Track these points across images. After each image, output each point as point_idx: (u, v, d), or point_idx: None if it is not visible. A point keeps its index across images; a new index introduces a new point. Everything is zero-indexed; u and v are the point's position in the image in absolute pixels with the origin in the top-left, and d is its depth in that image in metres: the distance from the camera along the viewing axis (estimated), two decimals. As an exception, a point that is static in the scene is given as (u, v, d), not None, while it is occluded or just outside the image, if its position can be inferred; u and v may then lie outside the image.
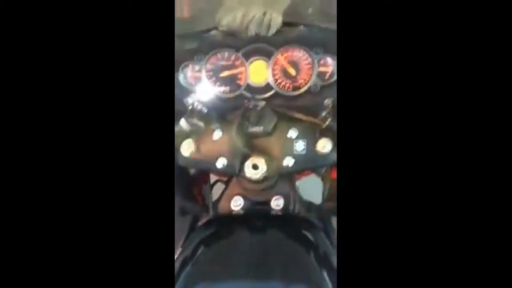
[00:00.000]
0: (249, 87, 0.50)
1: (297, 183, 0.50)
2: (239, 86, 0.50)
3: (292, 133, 0.39)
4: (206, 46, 0.48)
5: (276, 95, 0.50)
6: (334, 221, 0.42)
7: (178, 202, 0.44)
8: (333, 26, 0.42)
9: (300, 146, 0.39)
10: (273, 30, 0.45)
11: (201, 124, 0.41)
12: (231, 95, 0.50)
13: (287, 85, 0.50)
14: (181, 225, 0.44)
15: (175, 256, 0.37)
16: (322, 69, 0.49)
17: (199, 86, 0.50)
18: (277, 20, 0.44)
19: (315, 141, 0.39)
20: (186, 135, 0.41)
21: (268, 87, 0.50)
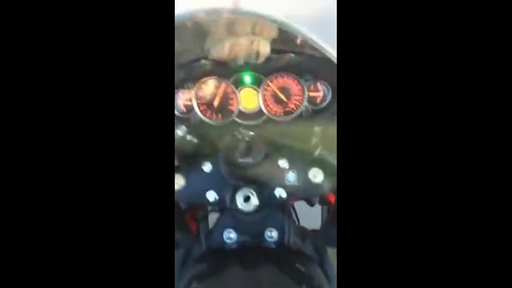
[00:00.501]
0: (241, 113, 0.50)
1: (295, 205, 0.49)
2: (231, 112, 0.50)
3: (283, 163, 0.39)
4: (196, 75, 0.48)
5: (269, 120, 0.50)
6: (330, 252, 0.41)
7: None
8: (321, 54, 0.43)
9: (291, 177, 0.39)
10: (261, 59, 0.45)
11: (194, 140, 0.41)
12: (224, 122, 0.50)
13: (279, 110, 0.50)
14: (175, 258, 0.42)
15: None
16: (312, 94, 0.50)
17: (191, 114, 0.50)
18: (265, 48, 0.45)
19: (306, 171, 0.39)
20: (176, 169, 0.41)
21: (260, 113, 0.50)
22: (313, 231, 0.46)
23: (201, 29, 0.44)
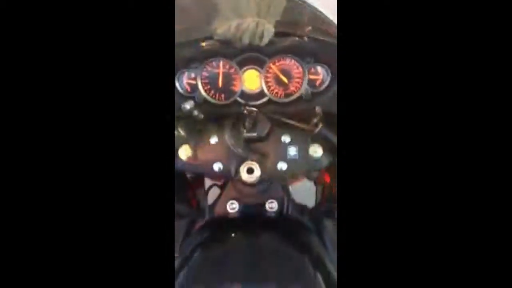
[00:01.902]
0: (243, 94, 0.52)
1: (291, 187, 0.51)
2: (234, 92, 0.52)
3: (285, 139, 0.41)
4: (201, 55, 0.50)
5: (269, 101, 0.52)
6: (327, 223, 0.43)
7: (175, 206, 0.45)
8: (324, 37, 0.45)
9: (292, 151, 0.41)
10: (266, 40, 0.47)
11: (201, 116, 0.42)
12: (226, 101, 0.52)
13: (280, 92, 0.52)
14: (177, 229, 0.44)
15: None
16: (312, 77, 0.52)
17: (195, 93, 0.52)
18: (269, 30, 0.46)
19: (307, 147, 0.41)
20: (185, 140, 0.42)
21: (261, 94, 0.52)
22: (308, 207, 0.49)
23: (208, 8, 0.45)
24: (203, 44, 0.45)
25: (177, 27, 0.47)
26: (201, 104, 0.51)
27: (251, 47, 0.48)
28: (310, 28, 0.46)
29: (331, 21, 0.40)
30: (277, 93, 0.52)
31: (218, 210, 0.44)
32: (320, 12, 0.40)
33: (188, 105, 0.41)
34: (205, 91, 0.52)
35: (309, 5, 0.40)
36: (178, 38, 0.45)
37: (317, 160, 0.40)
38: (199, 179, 0.53)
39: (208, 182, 0.54)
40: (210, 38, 0.47)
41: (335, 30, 0.41)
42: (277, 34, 0.47)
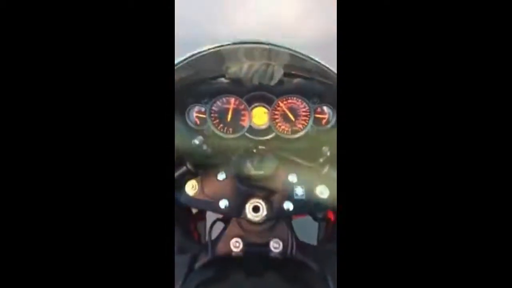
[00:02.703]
0: (251, 129, 0.54)
1: (293, 222, 0.51)
2: (242, 127, 0.53)
3: (292, 178, 0.42)
4: (213, 91, 0.52)
5: (276, 137, 0.54)
6: (331, 264, 0.43)
7: (178, 240, 0.45)
8: (329, 80, 0.47)
9: (299, 191, 0.41)
10: (275, 81, 0.49)
11: (209, 150, 0.43)
12: (235, 135, 0.53)
13: (286, 129, 0.54)
14: (180, 264, 0.44)
15: None
16: (318, 116, 0.54)
17: (204, 126, 0.53)
18: (279, 71, 0.49)
19: (314, 187, 0.41)
20: (192, 175, 0.43)
21: (268, 130, 0.54)
22: (312, 245, 0.48)
23: (221, 56, 0.48)
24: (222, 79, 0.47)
25: (190, 71, 0.49)
26: (210, 137, 0.53)
27: (261, 87, 0.50)
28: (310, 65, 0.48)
29: (333, 71, 0.42)
30: (284, 129, 0.54)
31: (221, 247, 0.43)
32: (323, 64, 0.43)
33: (197, 140, 0.42)
34: (214, 125, 0.53)
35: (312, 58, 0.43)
36: (192, 78, 0.47)
37: (323, 201, 0.41)
38: (201, 212, 0.53)
39: (210, 215, 0.54)
40: (222, 76, 0.50)
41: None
42: (285, 74, 0.50)
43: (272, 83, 0.49)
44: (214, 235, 0.48)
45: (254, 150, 0.41)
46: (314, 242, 0.54)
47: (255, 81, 0.49)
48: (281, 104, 0.53)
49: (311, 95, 0.52)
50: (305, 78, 0.50)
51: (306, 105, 0.53)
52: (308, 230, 0.57)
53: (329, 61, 0.46)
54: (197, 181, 0.42)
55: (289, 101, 0.53)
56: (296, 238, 0.47)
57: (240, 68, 0.48)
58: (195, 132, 0.50)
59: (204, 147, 0.44)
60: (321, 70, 0.47)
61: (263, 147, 0.44)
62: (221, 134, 0.53)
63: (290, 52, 0.46)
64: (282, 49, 0.44)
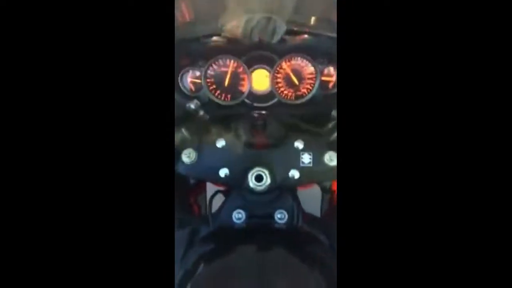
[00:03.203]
0: (251, 95, 0.49)
1: (298, 194, 0.48)
2: (241, 93, 0.49)
3: (298, 144, 0.38)
4: (207, 52, 0.47)
5: (279, 103, 0.49)
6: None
7: (177, 214, 0.42)
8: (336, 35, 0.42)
9: (306, 158, 0.38)
10: (277, 37, 0.44)
11: (206, 116, 0.39)
12: (233, 102, 0.49)
13: (290, 94, 0.49)
14: (179, 239, 0.41)
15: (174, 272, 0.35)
16: (325, 78, 0.49)
17: (200, 93, 0.49)
18: (281, 27, 0.43)
19: (322, 154, 0.38)
20: (189, 143, 0.39)
21: (270, 95, 0.49)
22: (315, 218, 0.46)
23: (216, 2, 0.42)
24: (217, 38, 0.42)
25: (180, 21, 0.44)
26: (206, 104, 0.48)
27: (261, 45, 0.45)
28: (314, 19, 0.43)
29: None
30: (287, 94, 0.49)
31: (222, 219, 0.40)
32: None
33: (193, 105, 0.38)
34: (211, 91, 0.49)
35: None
36: (181, 34, 0.42)
37: (332, 168, 0.37)
38: (201, 184, 0.50)
39: (210, 188, 0.51)
40: (217, 34, 0.44)
41: None
42: (289, 32, 0.44)
43: (274, 40, 0.44)
44: (215, 208, 0.46)
45: (255, 115, 0.37)
46: (317, 213, 0.52)
47: (255, 38, 0.44)
48: (284, 66, 0.48)
49: (318, 54, 0.47)
50: (310, 34, 0.45)
51: (312, 67, 0.48)
52: (312, 202, 0.54)
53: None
54: (194, 149, 0.38)
55: (293, 62, 0.48)
56: (302, 209, 0.44)
57: (237, 23, 0.43)
58: (190, 99, 0.46)
59: (201, 112, 0.39)
60: (329, 24, 0.42)
61: (265, 112, 0.40)
62: (218, 101, 0.49)
63: (294, 3, 0.41)
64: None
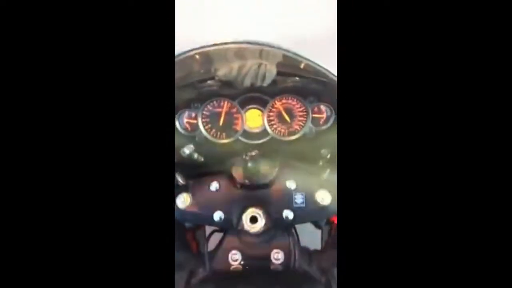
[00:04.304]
0: (245, 133, 0.51)
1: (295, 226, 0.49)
2: (235, 131, 0.51)
3: (291, 184, 0.39)
4: (202, 95, 0.49)
5: (272, 140, 0.51)
6: (335, 274, 0.40)
7: (176, 255, 0.42)
8: (325, 79, 0.44)
9: (299, 199, 0.39)
10: (268, 81, 0.46)
11: (201, 158, 0.40)
12: (228, 140, 0.50)
13: (283, 130, 0.51)
14: (177, 280, 0.41)
15: None
16: (316, 115, 0.51)
17: (195, 132, 0.51)
18: (272, 71, 0.46)
19: (314, 193, 0.39)
20: (183, 188, 0.40)
21: (264, 133, 0.51)
22: (315, 251, 0.46)
23: (209, 57, 0.45)
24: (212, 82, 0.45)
25: (177, 74, 0.47)
26: (202, 143, 0.50)
27: (253, 88, 0.48)
28: (304, 64, 0.45)
29: (328, 70, 0.40)
30: (280, 131, 0.51)
31: (219, 260, 0.41)
32: (317, 63, 0.40)
33: (187, 150, 0.40)
34: (206, 130, 0.51)
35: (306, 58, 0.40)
36: (179, 83, 0.44)
37: (325, 208, 0.38)
38: (198, 227, 0.50)
39: (208, 228, 0.51)
40: (211, 78, 0.47)
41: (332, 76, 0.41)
42: (279, 74, 0.47)
43: (265, 83, 0.47)
44: (212, 246, 0.46)
45: (246, 157, 0.38)
46: (318, 247, 0.52)
47: (247, 83, 0.46)
48: (276, 105, 0.50)
49: (307, 94, 0.49)
50: (300, 76, 0.47)
51: (303, 105, 0.50)
52: (311, 235, 0.54)
53: (324, 59, 0.44)
54: (189, 194, 0.39)
55: (284, 101, 0.50)
56: (299, 245, 0.44)
57: (230, 69, 0.46)
58: (186, 138, 0.47)
59: (195, 156, 0.41)
60: (316, 68, 0.45)
61: (257, 152, 0.42)
62: (213, 139, 0.50)
63: (283, 51, 0.43)
64: (274, 49, 0.41)
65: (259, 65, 0.45)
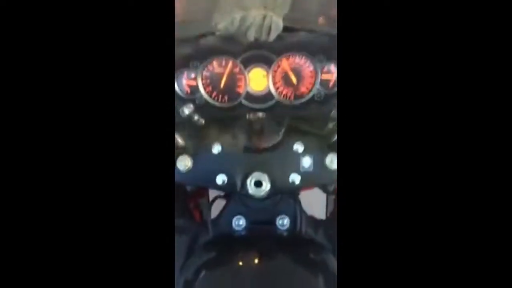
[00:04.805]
0: (248, 96, 0.47)
1: (300, 196, 0.47)
2: (238, 94, 0.47)
3: (298, 147, 0.37)
4: (202, 52, 0.45)
5: (278, 104, 0.47)
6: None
7: (176, 220, 0.41)
8: (336, 31, 0.40)
9: (307, 162, 0.36)
10: (273, 35, 0.42)
11: (202, 121, 0.38)
12: (230, 104, 0.47)
13: (289, 93, 0.47)
14: (179, 246, 0.40)
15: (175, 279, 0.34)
16: (325, 77, 0.47)
17: (196, 95, 0.47)
18: (278, 24, 0.41)
19: (323, 156, 0.36)
20: (183, 150, 0.38)
21: (269, 96, 0.47)
22: (321, 220, 0.44)
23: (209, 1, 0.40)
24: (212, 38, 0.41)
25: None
26: (202, 107, 0.47)
27: (257, 44, 0.43)
28: (322, 19, 0.41)
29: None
30: (286, 94, 0.47)
31: (222, 226, 0.39)
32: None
33: (187, 110, 0.36)
34: (207, 93, 0.47)
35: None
36: (176, 34, 0.40)
37: (334, 171, 0.36)
38: (200, 190, 0.49)
39: (212, 192, 0.49)
40: (211, 33, 0.43)
41: None
42: (286, 29, 0.42)
43: (270, 38, 0.42)
44: (215, 214, 0.45)
45: (251, 118, 0.35)
46: (322, 216, 0.50)
47: (250, 37, 0.42)
48: (282, 64, 0.46)
49: (317, 51, 0.45)
50: (308, 31, 0.43)
51: (311, 65, 0.46)
52: (315, 204, 0.53)
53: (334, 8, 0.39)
54: (190, 156, 0.37)
55: (291, 60, 0.46)
56: (305, 213, 0.42)
57: (232, 21, 0.41)
58: (185, 102, 0.44)
59: (195, 117, 0.38)
60: (328, 20, 0.40)
61: (263, 114, 0.38)
62: (215, 103, 0.47)
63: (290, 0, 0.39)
64: None
65: (264, 17, 0.41)
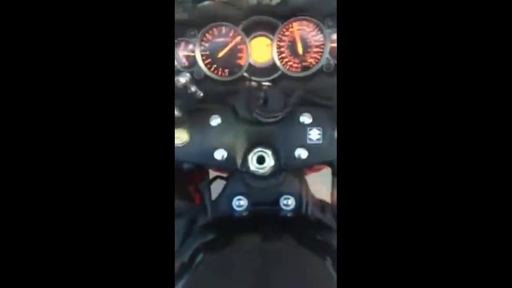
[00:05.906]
0: (251, 68, 0.44)
1: (307, 178, 0.44)
2: (239, 66, 0.43)
3: (305, 119, 0.33)
4: (200, 19, 0.41)
5: (283, 76, 0.44)
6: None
7: (176, 202, 0.38)
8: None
9: (315, 134, 0.33)
10: (277, -2, 0.38)
11: (200, 93, 0.35)
12: (231, 77, 0.43)
13: (295, 64, 0.43)
14: (177, 228, 0.38)
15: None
16: (334, 45, 0.43)
17: (194, 68, 0.44)
18: (282, -15, 0.37)
19: (333, 128, 0.33)
20: (180, 123, 0.34)
21: (273, 68, 0.44)
22: (326, 204, 0.41)
23: None
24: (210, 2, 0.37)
25: None
26: (202, 80, 0.43)
27: (260, 8, 0.39)
28: None
29: None
30: (292, 66, 0.43)
31: (222, 207, 0.36)
32: None
33: (183, 79, 0.33)
34: (206, 65, 0.44)
35: None
36: None
37: None
38: (198, 169, 0.46)
39: (213, 174, 0.47)
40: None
41: None
42: None
43: (274, 1, 0.38)
44: (215, 195, 0.42)
45: (252, 83, 0.32)
46: (329, 199, 0.47)
47: (252, 1, 0.38)
48: (287, 32, 0.42)
49: (325, 15, 0.41)
50: None
51: (320, 31, 0.42)
52: (323, 187, 0.50)
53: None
54: (186, 129, 0.34)
55: (298, 27, 0.42)
56: (311, 193, 0.39)
57: (232, -17, 0.37)
58: (182, 72, 0.41)
59: (193, 89, 0.35)
60: None
61: (268, 84, 0.35)
62: (214, 76, 0.44)
63: None
64: None
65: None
